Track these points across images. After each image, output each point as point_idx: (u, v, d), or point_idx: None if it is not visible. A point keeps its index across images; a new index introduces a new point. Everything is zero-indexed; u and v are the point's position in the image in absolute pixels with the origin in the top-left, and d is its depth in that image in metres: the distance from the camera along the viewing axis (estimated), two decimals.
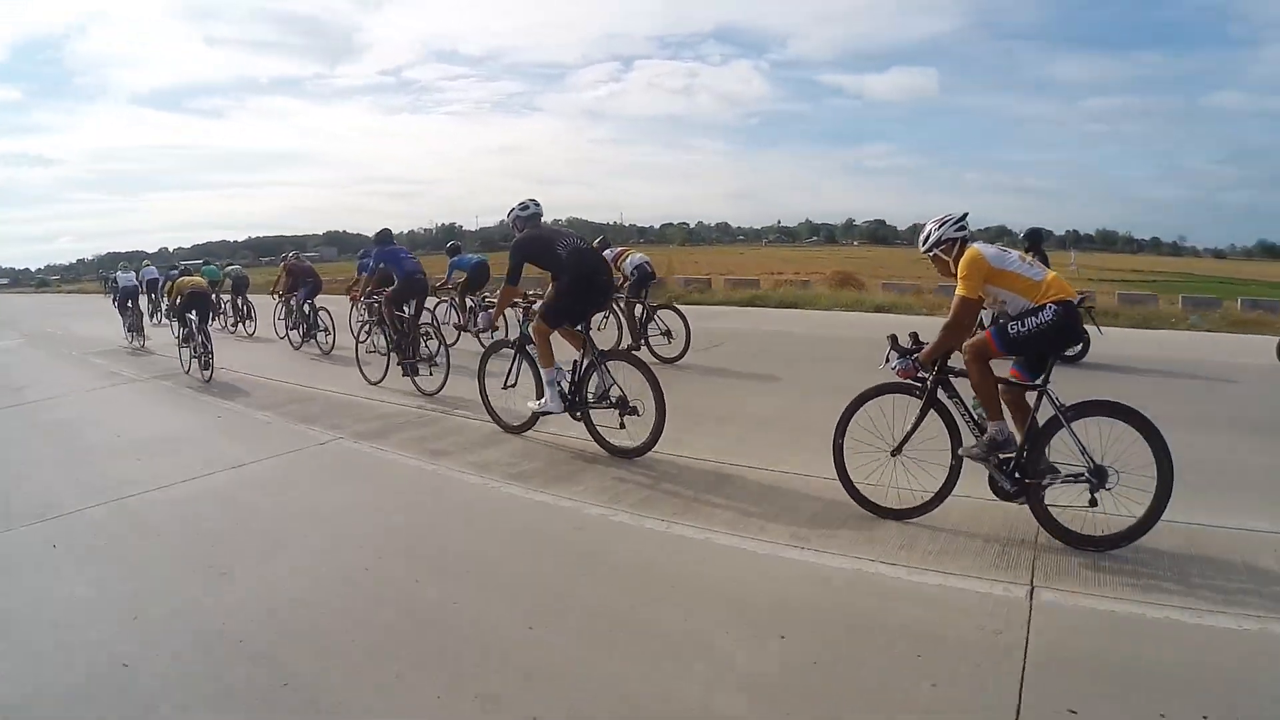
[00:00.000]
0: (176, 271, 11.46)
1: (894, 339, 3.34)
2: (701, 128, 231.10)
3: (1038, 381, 3.14)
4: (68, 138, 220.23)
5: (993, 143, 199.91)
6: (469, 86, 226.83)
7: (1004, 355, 3.18)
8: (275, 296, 10.98)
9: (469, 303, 9.22)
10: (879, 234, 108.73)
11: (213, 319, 9.38)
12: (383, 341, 7.13)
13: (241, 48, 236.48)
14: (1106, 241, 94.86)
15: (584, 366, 4.59)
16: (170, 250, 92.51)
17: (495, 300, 5.36)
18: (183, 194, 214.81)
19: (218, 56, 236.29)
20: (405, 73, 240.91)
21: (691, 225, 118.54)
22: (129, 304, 11.90)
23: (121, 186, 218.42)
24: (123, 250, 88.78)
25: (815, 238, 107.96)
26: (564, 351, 4.72)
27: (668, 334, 7.59)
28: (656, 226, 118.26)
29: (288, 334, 10.41)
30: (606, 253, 7.79)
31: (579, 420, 4.64)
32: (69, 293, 44.77)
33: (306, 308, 9.94)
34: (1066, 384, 3.22)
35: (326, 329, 9.44)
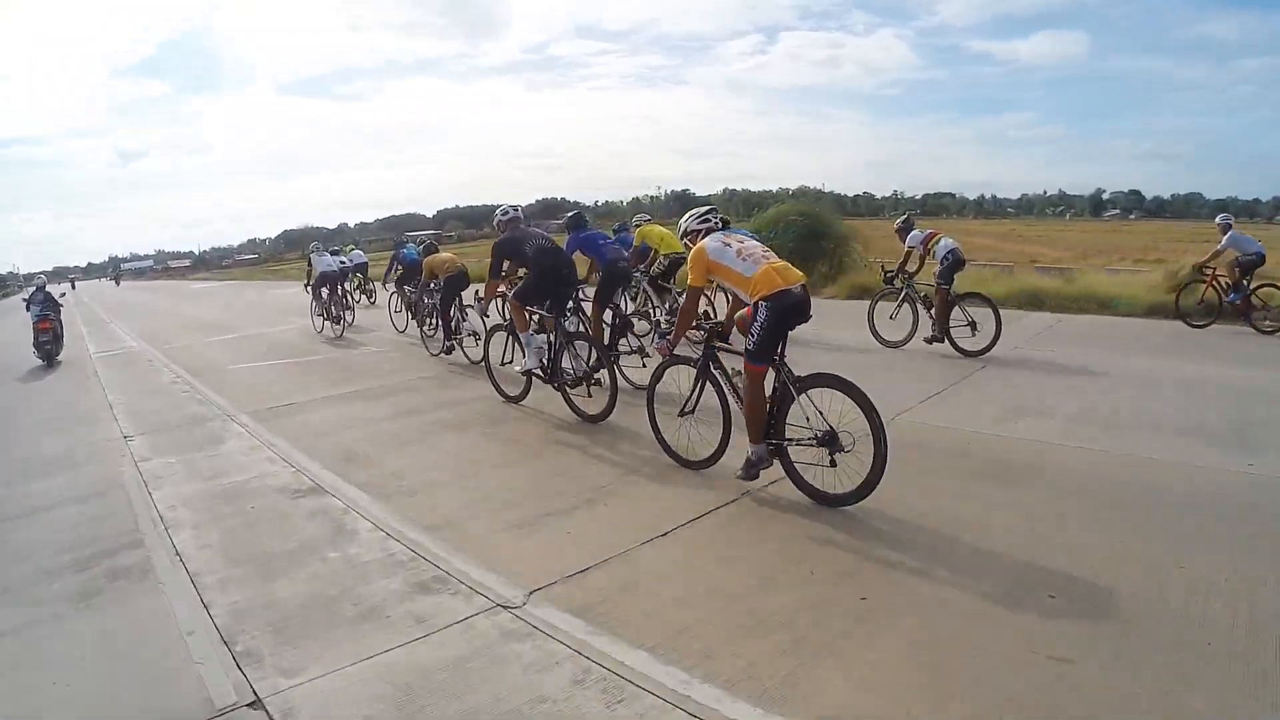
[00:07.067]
0: (404, 251, 11.01)
1: (657, 324, 4.18)
2: (841, 97, 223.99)
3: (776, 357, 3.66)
4: (216, 126, 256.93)
5: (1139, 109, 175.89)
6: (613, 61, 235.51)
7: (766, 367, 3.63)
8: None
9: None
10: (1140, 207, 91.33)
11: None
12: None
13: (385, 30, 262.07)
14: None
15: (556, 346, 5.53)
16: (350, 226, 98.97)
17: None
18: (331, 174, 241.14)
19: (360, 41, 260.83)
20: (549, 49, 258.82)
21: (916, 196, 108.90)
22: (324, 290, 11.06)
23: (272, 170, 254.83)
24: (296, 227, 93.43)
25: (1072, 210, 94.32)
26: None
27: (972, 325, 7.10)
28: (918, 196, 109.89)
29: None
30: (914, 233, 7.59)
31: (558, 389, 5.59)
32: (264, 279, 37.75)
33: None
34: None
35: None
